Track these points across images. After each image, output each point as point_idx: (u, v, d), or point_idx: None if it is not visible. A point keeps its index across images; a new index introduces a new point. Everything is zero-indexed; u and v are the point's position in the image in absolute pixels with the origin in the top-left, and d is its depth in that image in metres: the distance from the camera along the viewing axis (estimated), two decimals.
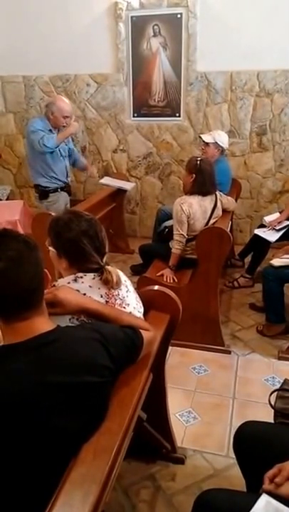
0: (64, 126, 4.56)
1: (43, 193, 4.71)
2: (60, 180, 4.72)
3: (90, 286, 1.90)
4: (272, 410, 2.03)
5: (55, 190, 4.72)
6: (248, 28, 5.02)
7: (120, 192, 5.50)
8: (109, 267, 1.92)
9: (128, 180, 5.73)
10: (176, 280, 3.79)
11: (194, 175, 3.79)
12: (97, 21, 5.45)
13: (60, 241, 1.96)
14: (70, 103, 4.66)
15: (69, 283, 1.90)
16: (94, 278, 1.91)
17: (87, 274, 1.91)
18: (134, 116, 5.74)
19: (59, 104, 4.51)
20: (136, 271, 4.74)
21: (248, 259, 4.90)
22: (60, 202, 4.73)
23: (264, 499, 1.42)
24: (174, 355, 3.58)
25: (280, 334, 3.85)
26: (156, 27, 5.28)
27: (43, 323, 1.45)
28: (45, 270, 1.49)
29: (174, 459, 2.60)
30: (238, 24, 5.03)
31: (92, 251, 1.91)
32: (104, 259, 1.94)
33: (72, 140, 5.22)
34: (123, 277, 2.07)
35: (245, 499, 1.48)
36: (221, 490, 1.73)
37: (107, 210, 5.11)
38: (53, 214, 3.77)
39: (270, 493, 1.45)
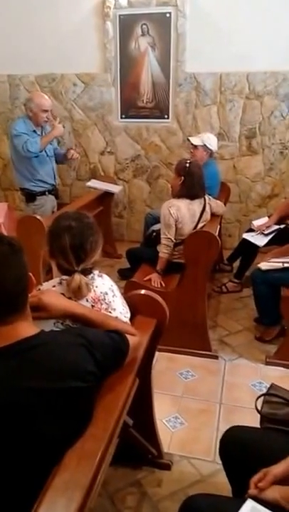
0: (46, 122, 4.54)
1: (30, 196, 4.68)
2: (47, 183, 4.69)
3: None
4: (259, 415, 2.01)
5: (43, 194, 4.69)
6: (238, 28, 5.00)
7: (107, 195, 5.47)
8: (77, 276, 1.86)
9: (115, 184, 5.68)
10: (163, 285, 3.76)
11: (183, 177, 3.76)
12: (84, 20, 5.41)
13: (48, 231, 2.01)
14: (48, 98, 4.63)
15: (54, 286, 1.89)
16: None
17: None
18: (122, 118, 5.69)
19: (36, 99, 4.48)
20: (123, 275, 4.70)
21: (236, 263, 4.88)
22: (47, 205, 4.70)
23: (249, 504, 1.43)
24: (161, 361, 3.55)
25: (276, 337, 3.83)
26: (144, 26, 5.24)
27: (26, 328, 1.43)
28: (30, 274, 1.46)
29: (160, 464, 2.58)
30: (228, 24, 5.01)
31: (69, 250, 1.87)
32: (81, 266, 1.89)
33: (58, 142, 5.18)
34: (109, 282, 2.06)
35: (231, 504, 1.49)
36: (206, 495, 1.72)
37: (94, 214, 4.99)
38: (38, 217, 3.76)
39: (255, 498, 1.46)
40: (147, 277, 3.81)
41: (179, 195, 3.81)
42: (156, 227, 4.35)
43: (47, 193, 4.72)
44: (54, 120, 4.58)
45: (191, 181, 3.76)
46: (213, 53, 5.14)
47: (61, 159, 4.98)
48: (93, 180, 5.46)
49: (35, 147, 4.35)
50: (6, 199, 6.33)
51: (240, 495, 1.57)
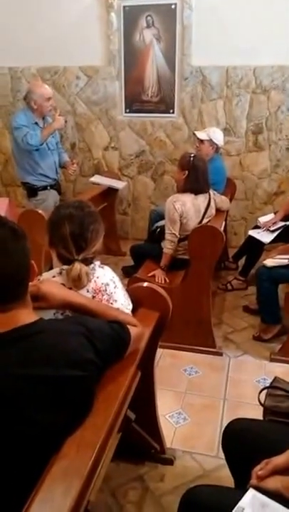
0: (51, 110, 4.47)
1: (32, 191, 4.61)
2: (48, 177, 4.62)
3: None
4: (262, 409, 2.01)
5: (44, 188, 4.62)
6: (244, 21, 4.93)
7: (111, 191, 5.41)
8: (77, 264, 1.84)
9: (120, 179, 5.63)
10: (167, 281, 3.74)
11: (187, 172, 3.72)
12: (87, 10, 5.32)
13: (48, 219, 1.99)
14: (47, 86, 4.55)
15: (54, 276, 1.88)
16: None
17: None
18: (126, 112, 5.62)
19: (38, 90, 4.39)
20: (127, 273, 4.64)
21: (242, 261, 4.84)
22: (49, 200, 4.62)
23: (250, 494, 1.44)
24: (165, 357, 3.53)
25: (277, 336, 3.80)
26: (149, 18, 5.16)
27: (26, 315, 1.41)
28: (32, 262, 1.44)
29: (162, 459, 2.57)
30: (235, 17, 4.94)
31: (69, 238, 1.85)
32: (81, 255, 1.87)
33: (61, 137, 5.12)
34: (111, 273, 2.04)
35: (232, 494, 1.49)
36: (208, 486, 1.75)
37: (97, 210, 5.00)
38: (40, 212, 3.72)
39: (257, 488, 1.46)
40: (151, 273, 3.79)
41: (183, 189, 3.77)
42: (160, 223, 4.31)
43: (49, 187, 4.65)
44: (55, 112, 4.52)
45: (196, 175, 3.72)
46: (219, 46, 5.07)
47: (61, 164, 4.92)
48: (97, 176, 5.42)
49: (36, 140, 4.28)
50: (7, 195, 6.26)
51: (242, 487, 1.56)
